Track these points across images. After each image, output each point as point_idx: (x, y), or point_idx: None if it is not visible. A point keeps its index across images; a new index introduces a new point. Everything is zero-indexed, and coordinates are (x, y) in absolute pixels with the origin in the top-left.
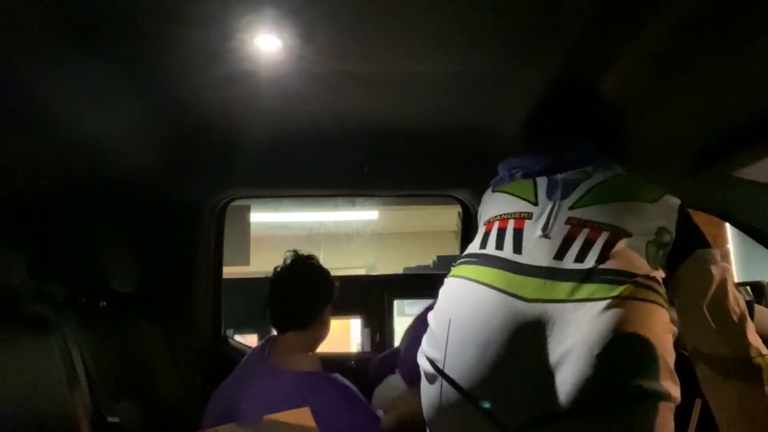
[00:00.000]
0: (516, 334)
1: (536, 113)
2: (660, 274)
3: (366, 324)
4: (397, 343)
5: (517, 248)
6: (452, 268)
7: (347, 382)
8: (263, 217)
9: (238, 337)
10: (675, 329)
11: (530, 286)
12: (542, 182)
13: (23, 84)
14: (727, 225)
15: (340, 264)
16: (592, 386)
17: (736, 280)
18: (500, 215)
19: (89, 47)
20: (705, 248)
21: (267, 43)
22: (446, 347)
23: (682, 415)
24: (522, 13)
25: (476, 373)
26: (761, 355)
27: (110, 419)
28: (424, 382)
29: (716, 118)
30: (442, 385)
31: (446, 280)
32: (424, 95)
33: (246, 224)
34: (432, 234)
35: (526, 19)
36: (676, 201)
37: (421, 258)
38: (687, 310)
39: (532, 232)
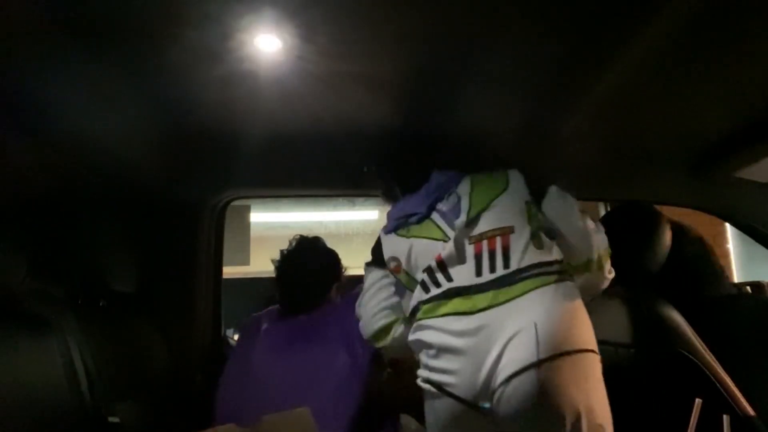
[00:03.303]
0: (469, 340)
1: (398, 167)
2: (549, 252)
3: None
4: None
5: (449, 279)
6: (418, 315)
7: None
8: (263, 217)
9: (238, 337)
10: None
11: (470, 302)
12: (438, 218)
13: (23, 84)
14: (727, 225)
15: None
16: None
17: (736, 280)
18: (430, 266)
19: (89, 47)
20: (548, 192)
21: (267, 43)
22: (446, 371)
23: (682, 415)
24: (521, 13)
25: (463, 380)
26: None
27: (110, 419)
28: (431, 401)
29: (716, 118)
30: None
31: (415, 326)
32: (424, 95)
33: (246, 224)
34: None
35: (526, 18)
36: (514, 172)
37: None
38: (560, 235)
39: (452, 260)
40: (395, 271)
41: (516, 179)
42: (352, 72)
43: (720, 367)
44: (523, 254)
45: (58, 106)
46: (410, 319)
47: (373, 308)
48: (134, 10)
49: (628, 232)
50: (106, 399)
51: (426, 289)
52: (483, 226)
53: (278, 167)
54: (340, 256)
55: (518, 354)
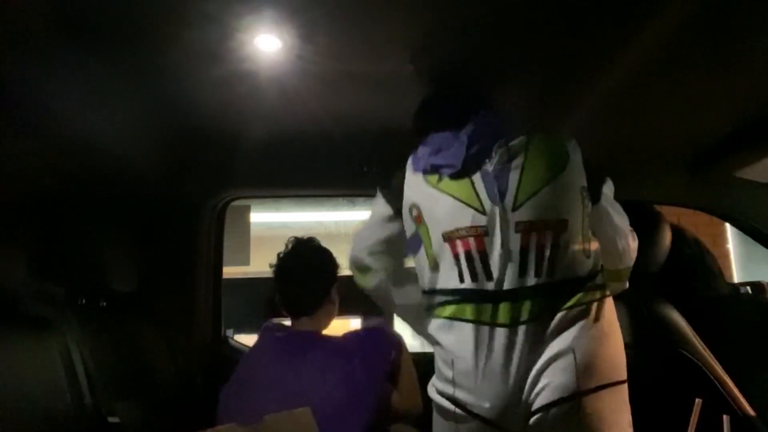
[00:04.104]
0: (506, 355)
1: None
2: (595, 260)
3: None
4: None
5: (489, 275)
6: (437, 308)
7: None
8: (263, 217)
9: (238, 337)
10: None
11: (506, 310)
12: (479, 182)
13: (23, 84)
14: (727, 225)
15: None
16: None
17: (736, 280)
18: (457, 230)
19: (89, 47)
20: (605, 182)
21: (267, 43)
22: (475, 391)
23: (682, 415)
24: (522, 12)
25: (495, 403)
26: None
27: (110, 419)
28: (451, 423)
29: (716, 118)
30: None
31: (438, 321)
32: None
33: (246, 224)
34: None
35: (526, 18)
36: (573, 144)
37: None
38: (606, 243)
39: (494, 252)
40: (416, 221)
41: (575, 155)
42: (352, 72)
43: (720, 367)
44: (571, 261)
45: (58, 106)
46: (429, 298)
47: (366, 241)
48: (134, 11)
49: None
50: (106, 399)
51: (461, 278)
52: (534, 211)
53: (278, 167)
54: (341, 256)
55: (557, 381)
